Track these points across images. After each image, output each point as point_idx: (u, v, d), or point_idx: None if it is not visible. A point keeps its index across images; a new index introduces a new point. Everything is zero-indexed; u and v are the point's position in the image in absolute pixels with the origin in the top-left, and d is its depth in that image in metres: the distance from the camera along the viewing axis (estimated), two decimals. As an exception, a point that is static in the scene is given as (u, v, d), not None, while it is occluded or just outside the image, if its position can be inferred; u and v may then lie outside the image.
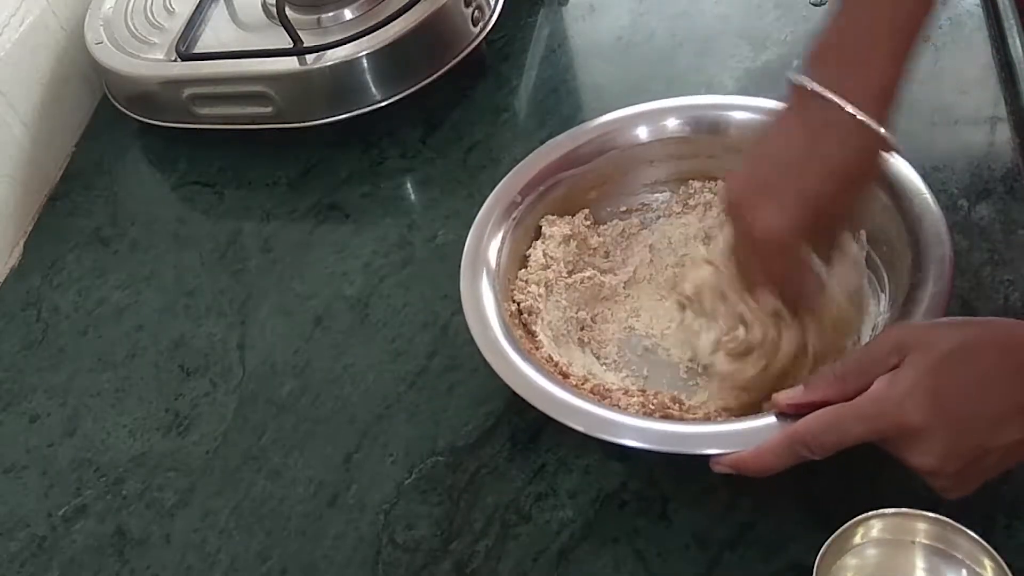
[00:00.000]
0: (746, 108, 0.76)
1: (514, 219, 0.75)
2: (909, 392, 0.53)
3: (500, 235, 0.73)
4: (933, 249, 0.64)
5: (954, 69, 0.84)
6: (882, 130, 0.59)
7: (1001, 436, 0.53)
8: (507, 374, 0.65)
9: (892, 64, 0.59)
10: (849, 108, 0.58)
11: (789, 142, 0.61)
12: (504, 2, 0.94)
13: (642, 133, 0.77)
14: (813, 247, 0.63)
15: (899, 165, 0.68)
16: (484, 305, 0.69)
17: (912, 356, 0.54)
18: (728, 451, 0.58)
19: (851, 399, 0.56)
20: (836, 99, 0.58)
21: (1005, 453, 0.53)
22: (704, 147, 0.77)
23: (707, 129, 0.77)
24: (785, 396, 0.59)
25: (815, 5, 0.93)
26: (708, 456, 0.59)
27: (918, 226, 0.66)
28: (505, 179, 0.76)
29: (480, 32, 0.92)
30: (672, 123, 0.77)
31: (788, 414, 0.58)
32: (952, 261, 0.63)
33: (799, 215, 0.60)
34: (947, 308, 0.62)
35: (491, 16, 0.93)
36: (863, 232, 0.68)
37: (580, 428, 0.61)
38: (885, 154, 0.61)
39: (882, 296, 0.67)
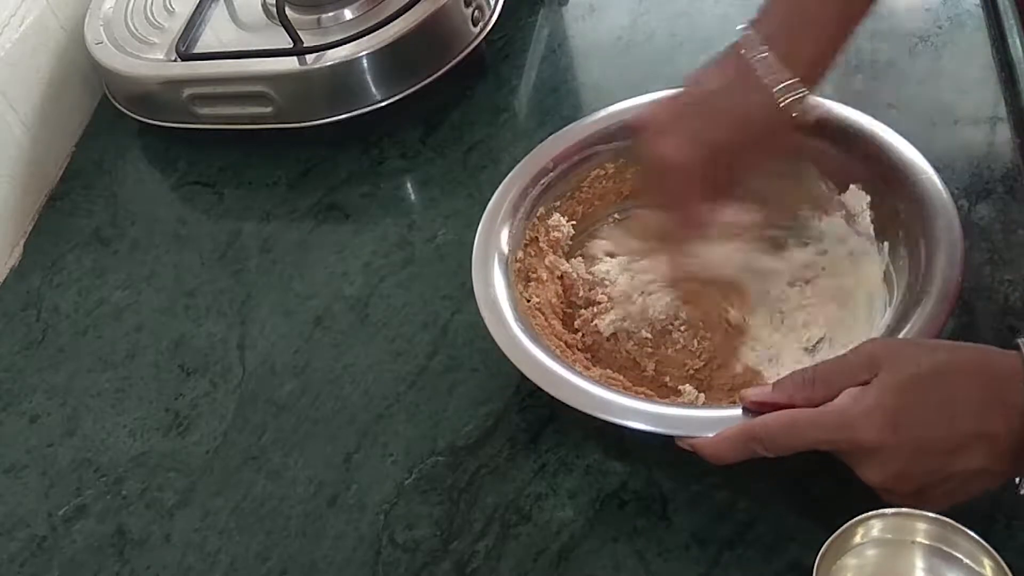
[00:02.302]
0: None
1: (543, 184, 0.75)
2: (868, 411, 0.53)
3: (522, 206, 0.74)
4: (943, 271, 0.63)
5: (954, 69, 0.84)
6: (798, 95, 0.61)
7: (961, 462, 0.53)
8: (495, 327, 0.67)
9: (833, 32, 0.62)
10: (775, 67, 0.60)
11: (711, 83, 0.65)
12: (504, 2, 0.94)
13: None
14: (708, 187, 0.65)
15: (932, 178, 0.68)
16: (494, 269, 0.70)
17: (881, 375, 0.54)
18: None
19: (816, 406, 0.56)
20: (765, 56, 0.61)
21: (969, 479, 0.53)
22: None
23: None
24: (752, 393, 0.60)
25: (815, 5, 0.93)
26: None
27: (935, 244, 0.65)
28: (541, 144, 0.77)
29: (480, 32, 0.92)
30: None
31: (752, 410, 0.59)
32: (959, 285, 0.62)
33: (692, 155, 0.64)
34: (943, 328, 0.61)
35: (491, 16, 0.93)
36: (886, 244, 0.68)
37: (584, 409, 0.62)
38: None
39: (888, 310, 0.66)
